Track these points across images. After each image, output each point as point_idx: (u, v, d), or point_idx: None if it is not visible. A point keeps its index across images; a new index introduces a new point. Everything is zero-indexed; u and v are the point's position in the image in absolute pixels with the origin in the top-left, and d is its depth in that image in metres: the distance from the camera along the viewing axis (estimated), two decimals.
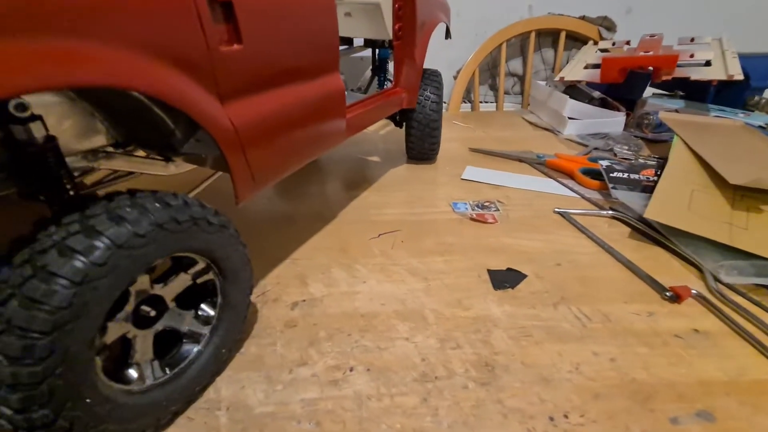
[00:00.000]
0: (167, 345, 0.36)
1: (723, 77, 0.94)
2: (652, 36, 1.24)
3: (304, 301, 0.51)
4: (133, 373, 0.33)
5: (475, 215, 0.71)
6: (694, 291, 0.50)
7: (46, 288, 0.25)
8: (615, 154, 0.96)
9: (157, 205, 0.30)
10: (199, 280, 0.37)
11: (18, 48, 0.22)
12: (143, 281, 0.32)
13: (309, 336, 0.45)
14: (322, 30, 0.48)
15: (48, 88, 0.24)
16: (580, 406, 0.37)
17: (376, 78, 0.96)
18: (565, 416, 0.36)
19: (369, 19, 0.74)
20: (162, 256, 0.31)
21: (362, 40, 0.87)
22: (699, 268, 0.55)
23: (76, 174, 0.41)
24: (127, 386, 0.32)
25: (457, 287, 0.53)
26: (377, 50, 0.92)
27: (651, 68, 0.99)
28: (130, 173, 0.45)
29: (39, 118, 0.29)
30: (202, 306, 0.38)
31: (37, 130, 0.29)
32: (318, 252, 0.60)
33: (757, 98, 1.08)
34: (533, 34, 1.41)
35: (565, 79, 1.17)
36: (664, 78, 0.98)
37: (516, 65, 1.53)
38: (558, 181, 0.84)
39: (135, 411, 0.32)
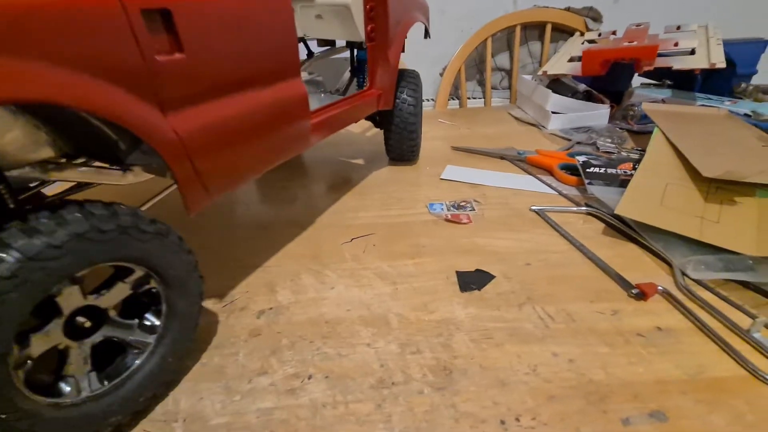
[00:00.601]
0: (108, 355, 0.36)
1: (705, 65, 0.93)
2: (638, 25, 1.23)
3: (271, 309, 0.51)
4: (65, 386, 0.33)
5: (450, 216, 0.71)
6: (660, 287, 0.50)
7: None
8: (597, 148, 0.95)
9: (77, 215, 0.30)
10: (141, 290, 0.37)
11: None
12: (72, 292, 0.31)
13: (272, 344, 0.45)
14: (276, 37, 0.47)
15: None
16: (533, 409, 0.37)
17: (356, 79, 0.96)
18: (517, 419, 0.36)
19: (340, 21, 0.74)
20: (85, 266, 0.31)
21: (344, 41, 0.87)
22: (670, 264, 0.55)
23: (32, 185, 0.42)
24: (57, 399, 0.32)
25: (424, 290, 0.53)
26: (355, 51, 0.91)
27: (632, 59, 0.97)
28: (89, 184, 0.45)
29: None
30: (147, 315, 0.38)
31: None
32: (290, 259, 0.61)
33: (744, 85, 1.07)
34: (518, 28, 1.40)
35: (548, 73, 1.16)
36: (646, 68, 0.97)
37: (503, 60, 1.52)
38: (537, 178, 0.84)
39: (65, 425, 0.31)
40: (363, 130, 1.27)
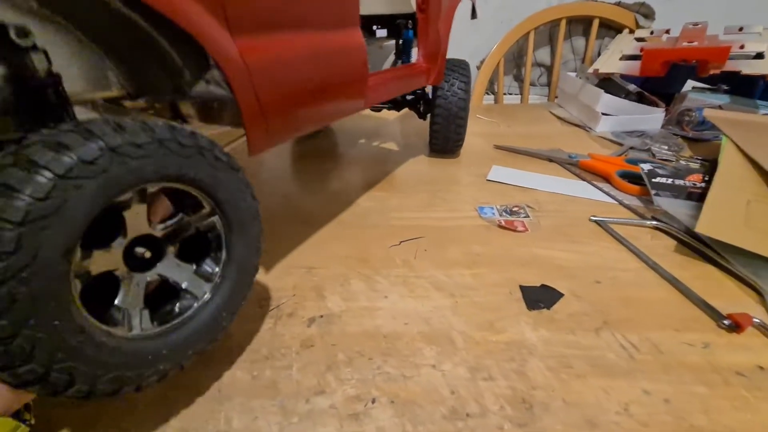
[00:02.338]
0: (164, 299, 0.34)
1: None
2: (695, 25, 1.15)
3: (321, 316, 0.47)
4: (117, 315, 0.30)
5: (503, 222, 0.66)
6: (756, 320, 0.45)
7: (26, 175, 0.23)
8: (653, 155, 0.89)
9: (160, 124, 0.29)
10: (202, 227, 0.35)
11: None
12: (139, 211, 0.30)
13: (327, 359, 0.41)
14: None
15: None
16: None
17: (399, 62, 0.91)
18: None
19: None
20: (158, 174, 0.29)
21: (385, 31, 0.85)
22: (759, 292, 0.50)
23: None
24: (108, 327, 0.29)
25: (486, 306, 0.48)
26: (401, 33, 0.87)
27: (695, 61, 0.91)
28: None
29: (43, 51, 0.28)
30: (206, 260, 0.36)
31: (40, 63, 0.28)
32: (336, 260, 0.57)
33: None
34: (564, 22, 1.33)
35: (600, 71, 1.10)
36: (712, 72, 0.90)
37: (543, 55, 1.45)
38: (593, 185, 0.78)
39: (112, 355, 0.28)
40: (398, 119, 1.22)
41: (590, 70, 1.13)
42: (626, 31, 1.30)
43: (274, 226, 0.65)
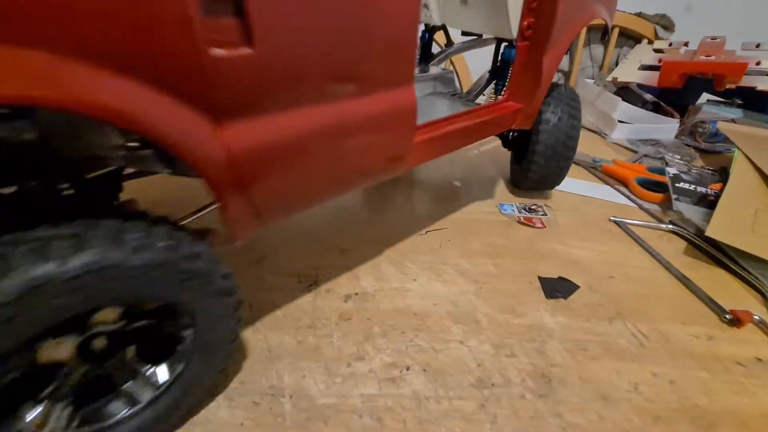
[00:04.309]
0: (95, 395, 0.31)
1: None
2: (713, 39, 1.18)
3: (357, 294, 0.51)
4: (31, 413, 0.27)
5: (522, 218, 0.70)
6: (756, 317, 0.49)
7: None
8: (666, 163, 0.93)
9: (162, 243, 0.27)
10: (174, 332, 0.32)
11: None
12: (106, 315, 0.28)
13: (363, 330, 0.46)
14: (389, 30, 0.34)
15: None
16: (640, 428, 0.37)
17: (494, 83, 0.72)
18: None
19: (489, 10, 0.59)
20: (141, 297, 0.27)
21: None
22: (762, 293, 0.53)
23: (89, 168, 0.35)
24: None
25: (508, 292, 0.52)
26: (502, 47, 0.68)
27: (712, 75, 0.94)
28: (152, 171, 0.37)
29: (32, 114, 0.26)
30: (161, 366, 0.32)
31: (28, 132, 0.26)
32: (367, 244, 0.61)
33: None
34: (584, 30, 1.36)
35: (618, 79, 1.13)
36: (728, 86, 0.93)
37: (562, 61, 1.48)
38: (615, 188, 0.82)
39: None
40: None
41: (609, 78, 1.17)
42: (645, 41, 1.33)
43: (310, 216, 0.69)
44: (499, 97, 0.61)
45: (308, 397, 0.38)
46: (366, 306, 0.49)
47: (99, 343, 0.29)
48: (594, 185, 0.83)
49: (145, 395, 0.31)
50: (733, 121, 1.09)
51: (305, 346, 0.43)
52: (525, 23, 0.56)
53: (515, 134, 0.75)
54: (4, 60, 0.19)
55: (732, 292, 0.54)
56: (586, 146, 1.04)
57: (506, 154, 0.92)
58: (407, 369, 0.41)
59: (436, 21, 0.76)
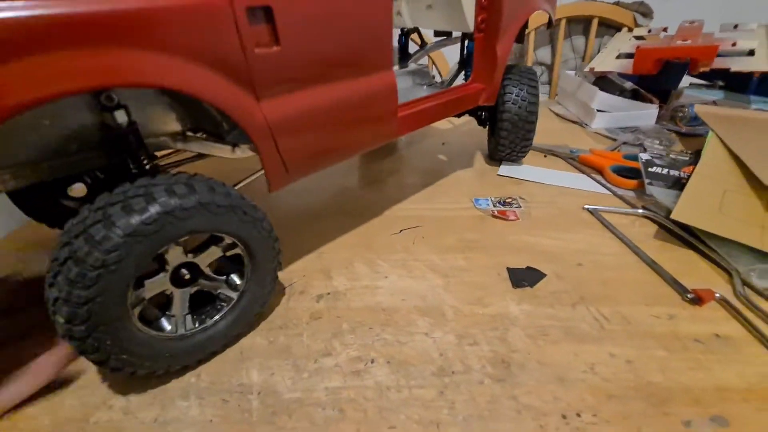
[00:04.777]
0: (204, 304, 0.44)
1: (766, 68, 0.89)
2: (691, 23, 1.18)
3: (329, 294, 0.53)
4: (166, 323, 0.40)
5: (496, 212, 0.71)
6: (717, 294, 0.49)
7: (105, 233, 0.32)
8: (645, 149, 0.93)
9: (204, 187, 0.37)
10: (228, 253, 0.43)
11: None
12: (176, 252, 0.38)
13: (333, 328, 0.48)
14: (370, 31, 0.48)
15: (93, 88, 0.30)
16: (593, 406, 0.38)
17: (464, 72, 0.87)
18: (578, 415, 0.37)
19: (449, 10, 0.72)
20: (198, 229, 0.37)
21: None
22: (729, 273, 0.54)
23: (158, 152, 0.50)
24: (162, 333, 0.39)
25: (476, 284, 0.54)
26: (466, 42, 0.83)
27: (687, 59, 0.94)
28: (202, 156, 0.52)
29: (124, 107, 0.37)
30: (232, 275, 0.44)
31: (121, 117, 0.37)
32: (342, 247, 0.63)
33: None
34: (564, 22, 1.37)
35: (596, 70, 1.14)
36: (702, 69, 0.94)
37: (544, 54, 1.49)
38: (591, 177, 0.83)
39: (161, 350, 0.39)
40: None
41: (586, 69, 1.18)
42: (624, 29, 1.34)
43: (289, 220, 0.71)
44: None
45: (275, 393, 0.40)
46: (337, 305, 0.51)
47: (182, 272, 0.41)
48: (571, 175, 0.84)
49: (233, 295, 0.44)
50: (714, 103, 1.10)
51: (276, 345, 0.45)
52: (479, 18, 0.70)
53: (485, 113, 0.88)
54: (154, 61, 0.31)
55: (699, 273, 0.55)
56: (567, 137, 1.05)
57: (480, 151, 0.94)
58: (372, 362, 0.43)
59: (409, 24, 0.85)
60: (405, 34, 0.96)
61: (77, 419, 0.38)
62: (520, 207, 0.73)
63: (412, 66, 0.93)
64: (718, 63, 0.96)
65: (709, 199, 0.62)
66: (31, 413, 0.38)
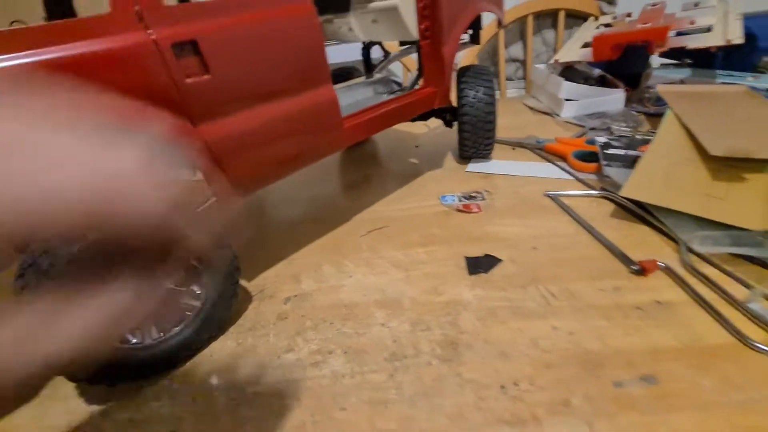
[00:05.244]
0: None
1: (721, 42, 0.91)
2: (654, 5, 1.21)
3: (296, 296, 0.57)
4: (130, 335, 0.44)
5: (461, 206, 0.74)
6: (661, 264, 0.51)
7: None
8: (612, 133, 0.95)
9: None
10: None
11: None
12: None
13: (297, 326, 0.51)
14: (299, 51, 0.51)
15: None
16: (531, 375, 0.41)
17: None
18: (516, 384, 0.40)
19: (393, 23, 0.75)
20: None
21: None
22: (676, 241, 0.56)
23: None
24: (124, 344, 0.43)
25: (435, 275, 0.57)
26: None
27: (645, 41, 0.97)
28: None
29: None
30: (193, 286, 0.48)
31: None
32: (313, 252, 0.66)
33: (766, 59, 1.03)
34: (530, 17, 1.40)
35: (560, 61, 1.17)
36: (658, 50, 0.96)
37: (517, 50, 1.53)
38: (556, 165, 0.85)
39: (131, 361, 0.43)
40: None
41: (551, 61, 1.20)
42: (591, 19, 1.36)
43: (263, 230, 0.75)
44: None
45: (240, 389, 0.43)
46: (303, 305, 0.55)
47: None
48: (536, 165, 0.87)
49: (195, 304, 0.48)
50: (681, 81, 1.12)
51: (244, 346, 0.49)
52: (422, 27, 0.73)
53: (449, 115, 0.91)
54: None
55: (650, 246, 0.57)
56: (539, 129, 1.08)
57: (451, 151, 0.97)
58: (330, 353, 0.46)
59: (362, 38, 0.90)
60: (366, 47, 1.00)
61: (61, 426, 0.42)
62: (484, 199, 0.75)
63: (376, 76, 0.98)
64: (676, 42, 0.98)
65: (658, 174, 0.64)
66: (18, 423, 0.42)
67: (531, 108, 1.24)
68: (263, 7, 0.47)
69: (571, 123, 1.07)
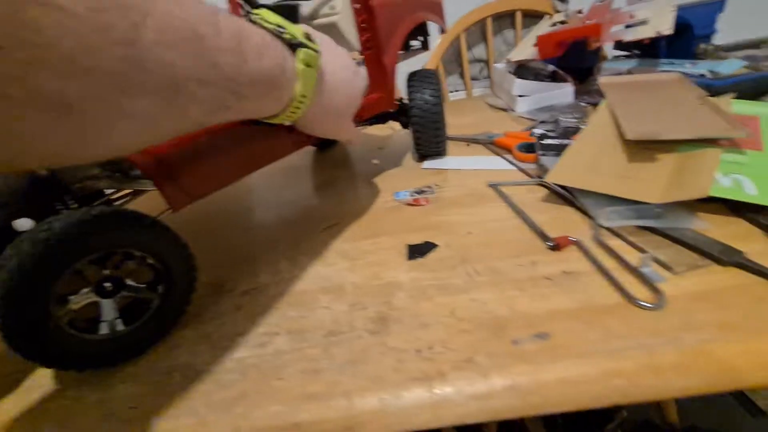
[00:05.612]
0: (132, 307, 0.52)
1: (651, 35, 0.98)
2: (602, 2, 1.28)
3: (254, 289, 0.62)
4: (102, 326, 0.49)
5: (412, 200, 0.80)
6: (572, 239, 0.57)
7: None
8: (559, 125, 1.01)
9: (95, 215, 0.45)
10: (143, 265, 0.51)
11: None
12: (93, 269, 0.46)
13: (250, 315, 0.57)
14: None
15: None
16: (444, 340, 0.46)
17: None
18: (430, 348, 0.46)
19: (335, 37, 0.78)
20: (97, 251, 0.45)
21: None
22: (592, 218, 0.62)
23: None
24: (95, 336, 0.48)
25: (377, 263, 0.63)
26: None
27: (584, 37, 1.03)
28: (138, 192, 0.62)
29: None
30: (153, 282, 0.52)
31: (40, 171, 0.47)
32: (273, 249, 0.72)
33: (703, 46, 1.10)
34: (489, 20, 1.47)
35: (512, 60, 1.23)
36: (594, 46, 1.02)
37: (481, 50, 1.60)
38: (503, 158, 0.91)
39: (99, 350, 0.48)
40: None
41: (504, 60, 1.27)
42: (546, 17, 1.43)
43: (227, 233, 0.81)
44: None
45: (194, 369, 0.49)
46: (258, 297, 0.60)
47: (106, 285, 0.48)
48: (486, 158, 0.93)
49: (155, 298, 0.52)
50: (629, 71, 1.18)
51: (200, 333, 0.55)
52: (363, 38, 0.79)
53: (404, 117, 0.96)
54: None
55: (571, 225, 0.63)
56: (496, 124, 1.14)
57: (407, 152, 1.03)
58: (276, 335, 0.52)
59: None
60: None
61: (39, 410, 0.47)
62: (434, 193, 0.81)
63: None
64: (615, 36, 1.04)
65: (583, 159, 0.70)
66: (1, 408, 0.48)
67: (491, 105, 1.31)
68: None
69: (524, 118, 1.13)
